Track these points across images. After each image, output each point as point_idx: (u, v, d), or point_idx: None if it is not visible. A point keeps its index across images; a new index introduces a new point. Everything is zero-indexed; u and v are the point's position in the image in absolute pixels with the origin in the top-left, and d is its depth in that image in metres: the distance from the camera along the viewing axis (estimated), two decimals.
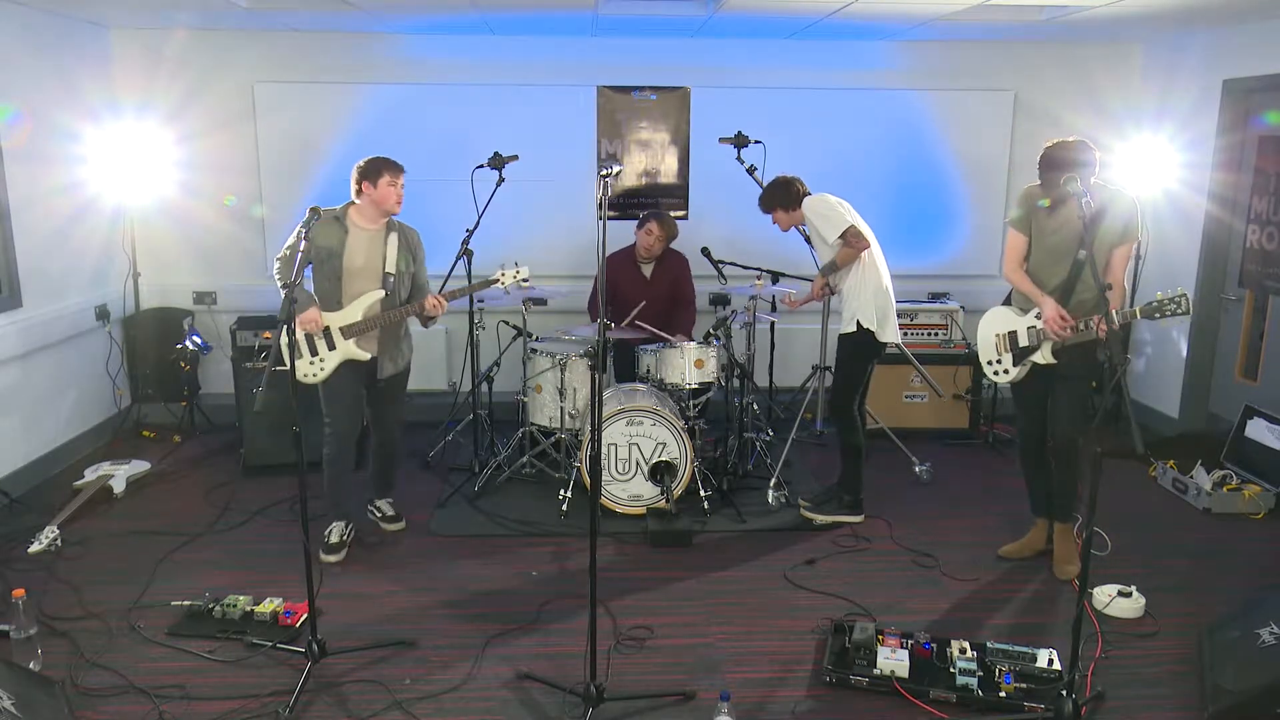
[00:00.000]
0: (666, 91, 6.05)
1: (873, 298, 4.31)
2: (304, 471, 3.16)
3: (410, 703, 3.08)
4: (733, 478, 4.97)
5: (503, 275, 4.25)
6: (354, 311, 3.99)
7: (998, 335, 3.95)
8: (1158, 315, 3.40)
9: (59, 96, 5.18)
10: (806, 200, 4.40)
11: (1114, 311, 3.41)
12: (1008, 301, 4.07)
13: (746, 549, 4.29)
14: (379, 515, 4.47)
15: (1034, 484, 4.14)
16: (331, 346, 3.70)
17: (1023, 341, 3.86)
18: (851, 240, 4.23)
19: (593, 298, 5.61)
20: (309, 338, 3.99)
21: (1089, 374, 3.88)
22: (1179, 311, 3.34)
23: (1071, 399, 3.86)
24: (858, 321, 4.32)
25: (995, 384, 4.16)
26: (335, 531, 4.18)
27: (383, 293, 4.02)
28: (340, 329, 3.95)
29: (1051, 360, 3.79)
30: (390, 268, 4.05)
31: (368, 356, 4.07)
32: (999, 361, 3.96)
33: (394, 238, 4.09)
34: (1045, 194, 3.74)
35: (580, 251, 6.00)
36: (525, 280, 4.28)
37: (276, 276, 3.97)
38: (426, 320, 4.14)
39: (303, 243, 3.23)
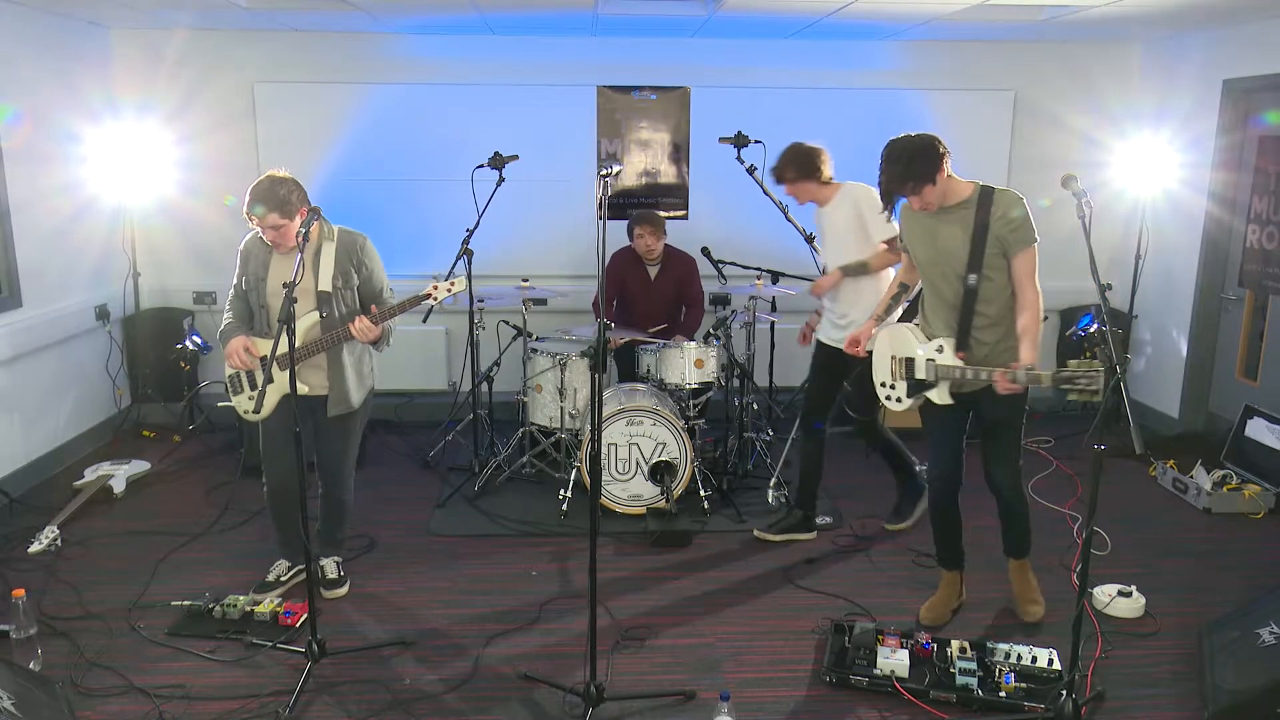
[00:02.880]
0: (666, 91, 6.05)
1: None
2: (304, 472, 3.16)
3: (410, 703, 3.09)
4: (733, 478, 4.97)
5: (435, 289, 3.69)
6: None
7: (893, 358, 3.45)
8: (1066, 388, 2.90)
9: (59, 96, 5.18)
10: (863, 188, 3.93)
11: (1020, 370, 3.07)
12: (908, 313, 3.69)
13: (746, 549, 4.29)
14: (319, 576, 3.82)
15: (943, 533, 3.66)
16: (270, 379, 3.14)
17: (919, 374, 3.37)
18: (897, 248, 3.85)
19: (599, 298, 5.60)
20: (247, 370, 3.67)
21: (1019, 414, 3.40)
22: (1090, 388, 2.86)
23: (1002, 445, 3.44)
24: None
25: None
26: (274, 570, 3.86)
27: (318, 315, 3.55)
28: (276, 358, 3.20)
29: (949, 401, 3.34)
30: (325, 285, 3.55)
31: (307, 389, 3.61)
32: (892, 387, 3.47)
33: (329, 250, 3.58)
34: (885, 193, 3.30)
35: (580, 251, 6.00)
36: (459, 291, 3.75)
37: (227, 310, 3.71)
38: (376, 345, 3.67)
39: (303, 243, 3.19)
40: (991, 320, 3.27)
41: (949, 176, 3.23)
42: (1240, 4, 4.60)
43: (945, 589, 3.70)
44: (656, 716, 3.06)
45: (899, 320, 3.69)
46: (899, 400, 3.46)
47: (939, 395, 3.34)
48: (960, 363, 3.28)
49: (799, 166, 4.08)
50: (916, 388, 3.38)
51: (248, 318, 3.70)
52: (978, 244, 3.18)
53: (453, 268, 4.90)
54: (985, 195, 3.21)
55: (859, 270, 4.04)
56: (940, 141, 3.21)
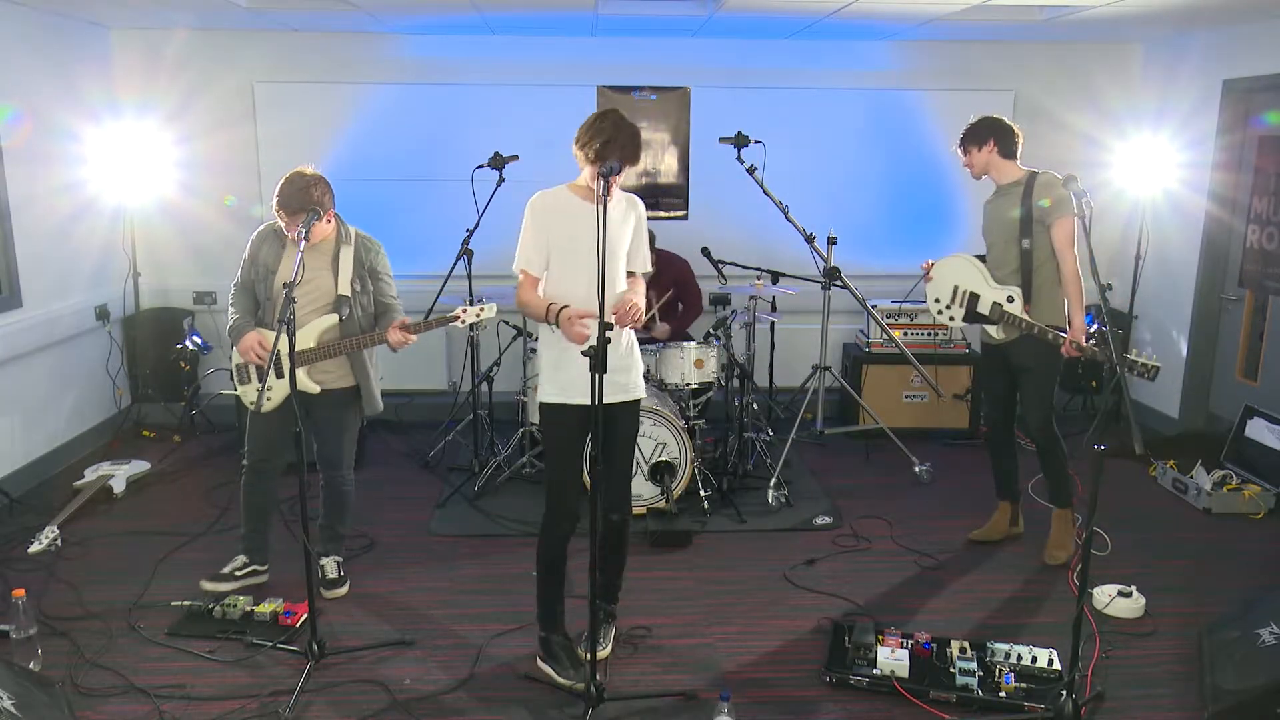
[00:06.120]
0: (666, 91, 6.05)
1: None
2: (304, 471, 3.16)
3: (410, 703, 3.09)
4: (733, 478, 4.97)
5: (464, 312, 3.66)
6: (306, 337, 3.54)
7: (957, 288, 4.02)
8: (1129, 372, 3.28)
9: (59, 96, 5.18)
10: (637, 201, 3.28)
11: (1087, 346, 3.67)
12: (982, 257, 4.06)
13: (746, 549, 4.29)
14: (320, 576, 3.80)
15: (997, 468, 4.29)
16: (279, 375, 3.15)
17: (983, 309, 3.94)
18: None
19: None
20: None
21: (1045, 365, 3.91)
22: (1146, 377, 3.44)
23: (1031, 389, 3.98)
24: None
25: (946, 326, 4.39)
26: (231, 564, 3.83)
27: (336, 318, 3.60)
28: (284, 356, 3.20)
29: (1002, 337, 3.93)
30: (344, 289, 3.59)
31: (317, 389, 3.63)
32: (948, 307, 4.05)
33: (347, 254, 3.61)
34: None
35: None
36: (487, 318, 3.69)
37: (231, 306, 3.69)
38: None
39: (302, 243, 3.18)
40: (1040, 284, 3.87)
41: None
42: (1240, 4, 4.60)
43: (998, 516, 4.32)
44: (656, 716, 3.06)
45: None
46: (952, 319, 4.06)
47: (997, 332, 3.96)
48: (1028, 316, 3.84)
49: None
50: (974, 318, 3.98)
51: (253, 311, 3.70)
52: (1026, 214, 3.84)
53: (452, 268, 4.90)
54: (1030, 177, 3.87)
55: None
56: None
